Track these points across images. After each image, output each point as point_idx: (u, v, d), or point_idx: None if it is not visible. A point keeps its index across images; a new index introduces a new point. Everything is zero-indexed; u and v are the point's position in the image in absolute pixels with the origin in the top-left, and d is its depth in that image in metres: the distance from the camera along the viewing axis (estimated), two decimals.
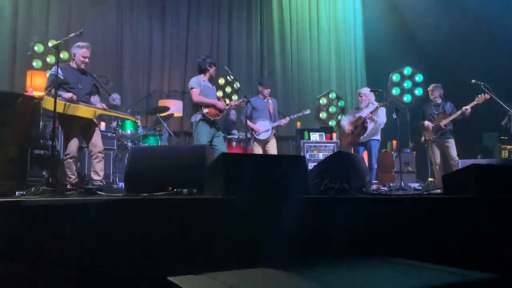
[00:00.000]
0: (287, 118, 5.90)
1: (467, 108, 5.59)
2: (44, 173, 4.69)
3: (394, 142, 7.29)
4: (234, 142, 6.06)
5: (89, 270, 1.63)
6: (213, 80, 5.30)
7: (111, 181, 5.70)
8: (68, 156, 4.17)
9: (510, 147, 7.12)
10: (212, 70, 5.01)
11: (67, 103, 4.05)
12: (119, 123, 5.91)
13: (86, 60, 4.39)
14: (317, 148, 6.99)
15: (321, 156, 6.87)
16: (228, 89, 8.32)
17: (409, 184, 6.15)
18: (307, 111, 6.22)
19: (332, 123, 8.78)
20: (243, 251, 1.85)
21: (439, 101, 5.99)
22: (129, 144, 5.90)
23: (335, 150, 6.87)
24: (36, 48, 6.58)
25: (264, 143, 5.67)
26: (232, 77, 6.74)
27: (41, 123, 4.91)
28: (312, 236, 2.02)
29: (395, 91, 8.63)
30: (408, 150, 7.20)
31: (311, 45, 9.49)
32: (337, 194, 2.48)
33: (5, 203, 1.62)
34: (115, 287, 1.66)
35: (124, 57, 7.71)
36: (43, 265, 1.57)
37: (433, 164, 5.98)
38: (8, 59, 6.67)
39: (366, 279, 1.52)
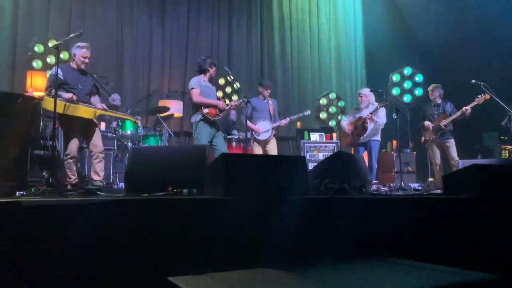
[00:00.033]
0: (287, 119, 5.90)
1: (467, 108, 5.59)
2: (44, 174, 4.68)
3: (394, 142, 7.29)
4: (234, 142, 6.06)
5: (89, 270, 1.63)
6: (213, 81, 5.30)
7: (111, 181, 5.70)
8: (68, 157, 4.17)
9: (510, 147, 7.12)
10: (212, 70, 5.01)
11: (67, 104, 4.05)
12: (119, 123, 5.91)
13: (86, 60, 4.39)
14: (317, 148, 7.00)
15: (321, 156, 6.87)
16: (228, 89, 8.32)
17: (409, 184, 6.13)
18: (307, 112, 6.22)
19: (332, 123, 8.78)
20: (243, 251, 1.85)
21: (439, 101, 5.99)
22: (129, 144, 5.90)
23: (335, 150, 6.87)
24: (36, 49, 6.58)
25: (264, 143, 5.67)
26: (232, 77, 6.73)
27: (41, 124, 4.91)
28: (312, 236, 2.02)
29: (395, 91, 8.63)
30: (408, 150, 7.20)
31: (311, 45, 9.49)
32: (337, 194, 2.48)
33: (6, 204, 1.62)
34: (115, 287, 1.67)
35: (124, 57, 7.70)
36: (43, 265, 1.57)
37: (433, 164, 5.98)
38: (8, 59, 6.66)
39: (366, 279, 1.52)
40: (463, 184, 2.50)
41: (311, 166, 6.20)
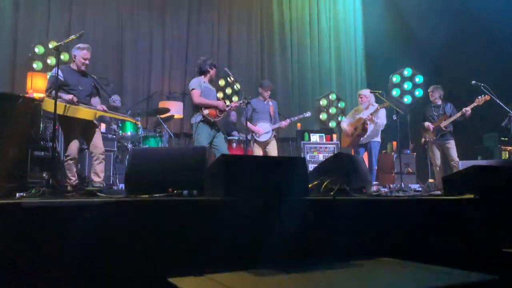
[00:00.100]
0: (288, 120, 5.90)
1: (467, 109, 5.59)
2: (44, 175, 4.67)
3: (394, 143, 7.29)
4: (234, 143, 6.07)
5: (89, 271, 1.63)
6: (213, 82, 5.30)
7: (111, 182, 5.70)
8: (68, 158, 4.17)
9: (511, 148, 7.12)
10: (212, 71, 5.01)
11: (68, 105, 4.05)
12: (120, 124, 5.91)
13: (87, 62, 4.39)
14: (317, 149, 7.00)
15: (321, 157, 6.88)
16: (228, 91, 8.31)
17: (410, 185, 6.14)
18: (308, 114, 6.22)
19: (332, 124, 8.78)
20: (243, 252, 1.85)
21: (439, 102, 5.99)
22: (130, 145, 5.90)
23: (335, 151, 6.88)
24: (36, 50, 6.59)
25: (264, 144, 5.67)
26: (232, 79, 6.73)
27: (41, 125, 4.91)
28: (312, 237, 2.02)
29: (395, 92, 8.64)
30: (408, 151, 7.20)
31: (311, 45, 9.48)
32: (337, 195, 2.48)
33: (6, 205, 1.62)
34: None
35: (125, 58, 7.71)
36: (43, 266, 1.58)
37: (434, 165, 5.97)
38: (8, 61, 6.67)
39: (366, 280, 1.52)
40: (463, 185, 2.49)
41: (311, 167, 6.20)
